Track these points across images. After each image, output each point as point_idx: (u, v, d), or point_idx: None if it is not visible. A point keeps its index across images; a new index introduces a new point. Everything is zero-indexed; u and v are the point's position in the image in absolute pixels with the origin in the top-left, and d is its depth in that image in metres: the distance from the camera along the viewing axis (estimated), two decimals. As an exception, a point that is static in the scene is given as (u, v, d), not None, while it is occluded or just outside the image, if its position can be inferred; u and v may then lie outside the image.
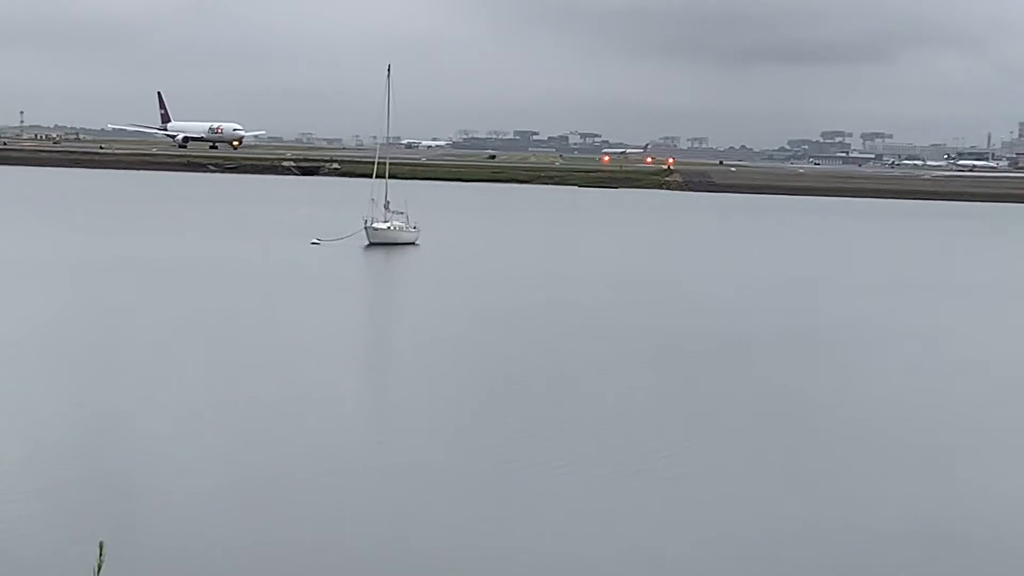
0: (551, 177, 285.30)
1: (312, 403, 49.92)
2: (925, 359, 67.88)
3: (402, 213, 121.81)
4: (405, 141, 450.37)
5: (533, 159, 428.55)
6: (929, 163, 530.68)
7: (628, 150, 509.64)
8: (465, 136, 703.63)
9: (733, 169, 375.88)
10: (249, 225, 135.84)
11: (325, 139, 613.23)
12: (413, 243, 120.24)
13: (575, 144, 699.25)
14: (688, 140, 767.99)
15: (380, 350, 68.38)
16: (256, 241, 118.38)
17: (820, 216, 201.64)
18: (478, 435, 45.97)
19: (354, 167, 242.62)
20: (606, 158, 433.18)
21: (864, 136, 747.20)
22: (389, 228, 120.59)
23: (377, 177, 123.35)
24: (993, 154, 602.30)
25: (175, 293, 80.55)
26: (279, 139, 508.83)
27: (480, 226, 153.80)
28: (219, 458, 41.57)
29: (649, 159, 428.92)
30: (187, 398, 49.94)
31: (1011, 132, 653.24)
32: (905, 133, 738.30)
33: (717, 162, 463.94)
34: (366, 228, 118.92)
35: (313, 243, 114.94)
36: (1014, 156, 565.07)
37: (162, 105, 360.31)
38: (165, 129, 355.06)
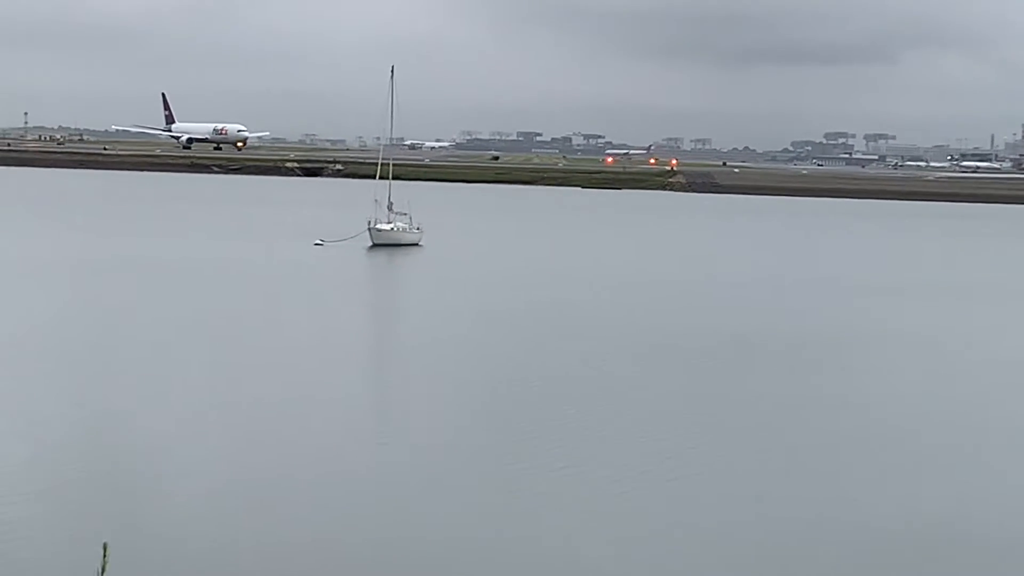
0: (554, 178, 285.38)
1: (315, 404, 50.01)
2: (928, 360, 67.91)
3: (405, 214, 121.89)
4: (408, 142, 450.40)
5: (536, 160, 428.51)
6: (932, 164, 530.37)
7: (631, 151, 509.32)
8: (468, 137, 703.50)
9: (736, 170, 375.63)
10: (253, 226, 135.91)
11: (328, 140, 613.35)
12: (416, 244, 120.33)
13: (578, 145, 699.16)
14: (691, 141, 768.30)
15: (383, 351, 68.47)
16: (260, 242, 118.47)
17: (823, 217, 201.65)
18: (481, 436, 46.03)
19: (357, 168, 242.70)
20: (609, 159, 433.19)
21: (867, 137, 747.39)
22: (392, 229, 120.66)
23: (381, 178, 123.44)
24: (996, 155, 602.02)
25: (179, 294, 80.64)
26: (283, 140, 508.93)
27: (483, 227, 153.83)
28: (222, 459, 41.65)
29: (652, 160, 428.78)
30: (190, 399, 50.02)
31: (1014, 134, 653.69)
32: (908, 134, 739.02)
33: (720, 163, 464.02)
34: (369, 229, 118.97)
35: (317, 244, 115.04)
36: (1017, 157, 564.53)
37: (166, 106, 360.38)
38: (169, 130, 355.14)
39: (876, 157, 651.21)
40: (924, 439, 48.75)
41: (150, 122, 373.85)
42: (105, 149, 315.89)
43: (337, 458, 41.97)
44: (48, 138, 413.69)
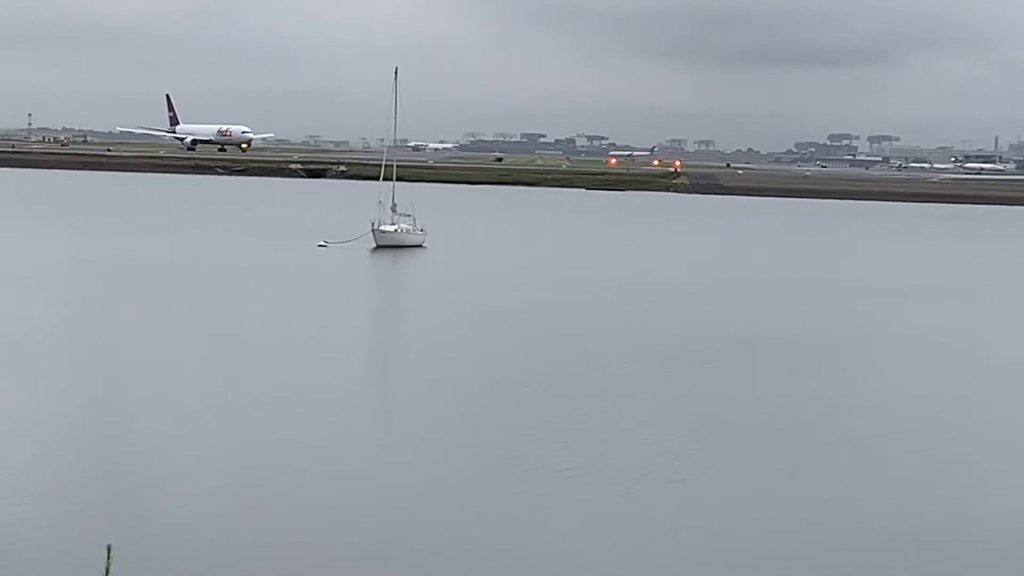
0: (558, 180, 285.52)
1: (318, 405, 50.06)
2: (931, 361, 67.90)
3: (409, 215, 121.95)
4: (412, 144, 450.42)
5: (540, 162, 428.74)
6: (936, 166, 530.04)
7: (635, 153, 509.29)
8: (472, 139, 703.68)
9: (740, 172, 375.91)
10: (256, 227, 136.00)
11: (332, 142, 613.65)
12: (420, 245, 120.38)
13: (582, 147, 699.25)
14: (695, 143, 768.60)
15: (386, 352, 68.52)
16: (263, 243, 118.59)
17: (827, 219, 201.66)
18: (483, 437, 46.05)
19: (361, 170, 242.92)
20: (613, 161, 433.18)
21: (871, 139, 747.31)
22: (396, 230, 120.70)
23: (384, 180, 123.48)
24: (1000, 157, 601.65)
25: (182, 295, 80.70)
26: (286, 142, 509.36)
27: (487, 229, 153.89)
28: (225, 459, 41.68)
29: (656, 162, 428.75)
30: (193, 399, 50.07)
31: (1018, 135, 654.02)
32: (911, 136, 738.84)
33: (724, 165, 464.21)
34: (373, 230, 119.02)
35: (320, 245, 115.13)
36: (1021, 159, 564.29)
37: (171, 108, 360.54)
38: (174, 132, 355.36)
39: (880, 159, 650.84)
40: (927, 441, 48.76)
41: (153, 123, 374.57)
42: (109, 150, 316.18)
43: (340, 458, 42.01)
44: (52, 139, 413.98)
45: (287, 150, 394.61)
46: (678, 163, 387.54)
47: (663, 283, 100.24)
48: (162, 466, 40.37)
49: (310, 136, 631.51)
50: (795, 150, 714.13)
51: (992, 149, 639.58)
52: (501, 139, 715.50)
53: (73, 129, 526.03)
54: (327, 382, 55.19)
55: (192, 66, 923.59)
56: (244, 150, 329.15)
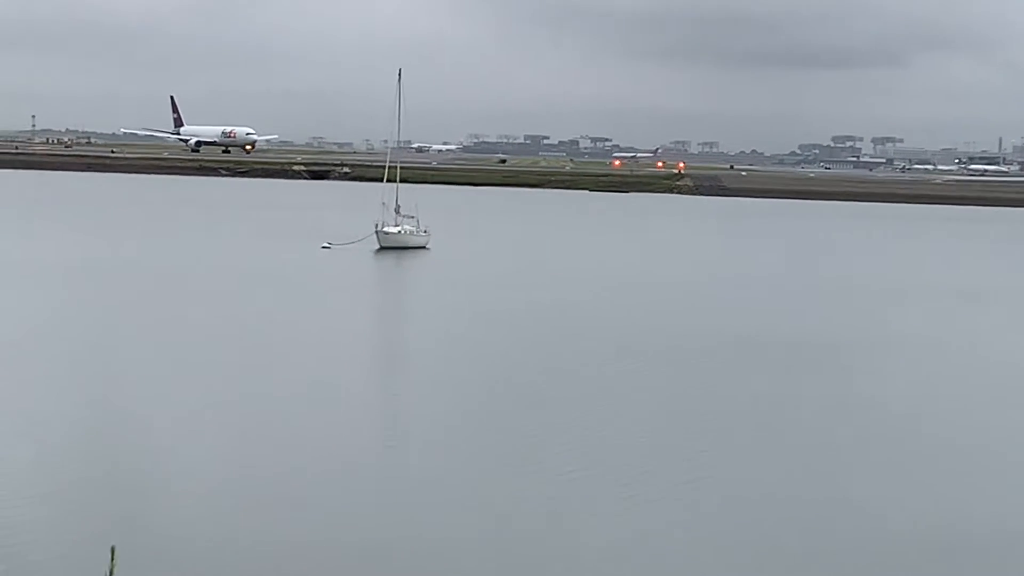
0: (562, 181, 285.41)
1: (321, 405, 50.12)
2: (934, 362, 67.96)
3: (413, 217, 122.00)
4: (416, 145, 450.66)
5: (544, 163, 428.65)
6: (940, 168, 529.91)
7: (639, 154, 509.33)
8: (475, 140, 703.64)
9: (744, 173, 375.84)
10: (260, 229, 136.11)
11: (336, 143, 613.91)
12: (424, 247, 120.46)
13: (586, 148, 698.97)
14: (699, 144, 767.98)
15: (390, 353, 68.60)
16: (267, 245, 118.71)
17: (830, 220, 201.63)
18: (485, 437, 46.12)
19: (364, 171, 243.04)
20: (617, 162, 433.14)
21: (874, 140, 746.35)
22: (400, 232, 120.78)
23: (388, 181, 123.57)
24: (1004, 158, 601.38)
25: (185, 295, 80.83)
26: (290, 143, 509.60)
27: (491, 230, 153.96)
28: (228, 460, 41.77)
29: (660, 163, 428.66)
30: (196, 399, 50.16)
31: (1022, 137, 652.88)
32: (915, 137, 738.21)
33: (728, 166, 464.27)
34: (377, 232, 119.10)
35: (324, 247, 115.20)
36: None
37: (175, 109, 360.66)
38: (178, 133, 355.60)
39: (883, 160, 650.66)
40: (929, 441, 48.81)
41: (154, 123, 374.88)
42: (113, 152, 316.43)
43: (343, 458, 42.09)
44: (56, 141, 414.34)
45: (291, 152, 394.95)
46: (682, 165, 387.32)
47: (666, 284, 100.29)
48: (164, 466, 40.46)
49: (314, 138, 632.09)
50: (799, 152, 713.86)
51: (996, 151, 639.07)
52: (505, 140, 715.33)
53: (76, 131, 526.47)
54: (329, 382, 55.25)
55: (193, 66, 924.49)
56: (248, 152, 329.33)
